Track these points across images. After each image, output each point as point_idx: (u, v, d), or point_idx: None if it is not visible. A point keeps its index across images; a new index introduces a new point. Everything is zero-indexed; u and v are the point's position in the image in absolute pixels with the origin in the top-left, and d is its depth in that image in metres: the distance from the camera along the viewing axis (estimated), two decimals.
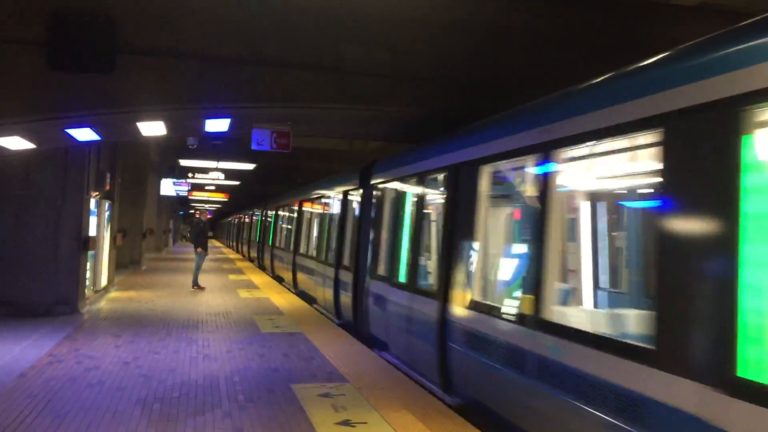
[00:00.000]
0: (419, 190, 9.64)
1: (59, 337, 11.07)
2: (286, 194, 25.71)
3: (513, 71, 9.68)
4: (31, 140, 10.18)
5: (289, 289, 20.02)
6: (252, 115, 10.19)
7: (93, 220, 15.85)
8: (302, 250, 19.58)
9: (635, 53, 6.89)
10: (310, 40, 9.22)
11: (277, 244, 25.55)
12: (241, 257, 40.39)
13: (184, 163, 17.15)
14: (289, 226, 22.32)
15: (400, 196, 10.51)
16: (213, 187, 34.08)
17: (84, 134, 10.24)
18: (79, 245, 14.06)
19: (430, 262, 9.63)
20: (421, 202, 9.59)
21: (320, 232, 17.06)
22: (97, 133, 10.25)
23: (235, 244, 50.95)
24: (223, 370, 8.93)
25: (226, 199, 43.18)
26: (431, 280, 9.19)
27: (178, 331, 11.96)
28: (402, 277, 9.89)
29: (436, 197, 9.51)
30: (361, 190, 13.00)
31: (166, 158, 35.20)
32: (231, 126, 10.76)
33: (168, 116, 9.58)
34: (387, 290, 10.37)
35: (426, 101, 9.64)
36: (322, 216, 17.27)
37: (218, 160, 16.17)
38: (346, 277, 13.43)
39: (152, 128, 10.39)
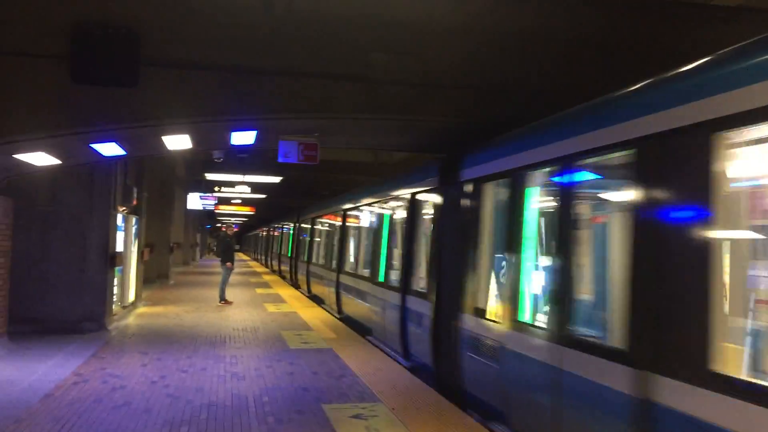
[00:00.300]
0: (566, 184, 6.20)
1: (86, 355, 10.89)
2: (326, 203, 22.93)
3: (547, 78, 9.36)
4: (56, 156, 10.04)
5: (330, 312, 17.78)
6: (278, 127, 9.95)
7: (120, 236, 15.75)
8: (349, 268, 17.06)
9: (675, 57, 6.58)
10: (338, 49, 8.97)
11: (314, 260, 22.95)
12: (268, 271, 40.28)
13: (210, 177, 17.01)
14: (331, 240, 19.76)
15: (520, 196, 7.21)
16: (239, 201, 34.01)
17: (109, 149, 10.08)
18: (105, 261, 13.93)
19: (587, 294, 6.56)
20: (568, 202, 6.17)
21: (376, 247, 13.93)
22: (122, 148, 10.08)
23: (262, 257, 50.89)
24: (252, 390, 8.66)
25: (252, 213, 43.15)
26: (606, 324, 6.05)
27: (206, 348, 11.74)
28: (537, 319, 6.89)
29: (610, 193, 6.67)
30: (441, 191, 10.01)
31: (192, 172, 35.25)
32: (257, 138, 10.54)
33: (193, 129, 9.38)
34: (502, 335, 7.16)
35: (458, 110, 9.34)
36: (377, 227, 14.11)
37: (244, 174, 15.98)
38: (420, 306, 10.30)
39: (178, 142, 10.20)
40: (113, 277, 14.68)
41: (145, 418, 7.31)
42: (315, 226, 23.65)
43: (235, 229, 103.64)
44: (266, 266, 44.28)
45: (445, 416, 7.48)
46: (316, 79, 8.98)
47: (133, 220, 17.55)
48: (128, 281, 17.15)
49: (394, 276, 12.23)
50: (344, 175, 43.38)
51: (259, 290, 24.66)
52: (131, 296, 17.72)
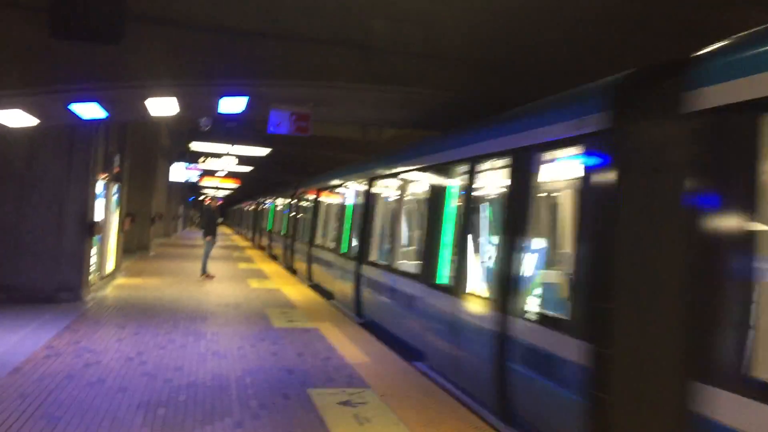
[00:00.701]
0: None
1: (60, 326, 10.39)
2: (346, 169, 16.90)
3: (556, 55, 8.89)
4: (33, 115, 9.47)
5: (347, 314, 13.40)
6: (270, 95, 9.44)
7: (100, 204, 15.20)
8: (375, 257, 12.48)
9: (683, 39, 6.15)
10: (336, 14, 8.45)
11: (319, 242, 18.64)
12: (251, 245, 39.74)
13: (195, 147, 16.43)
14: (353, 221, 14.58)
15: None
16: (224, 174, 33.40)
17: (90, 110, 9.52)
18: (83, 229, 13.39)
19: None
20: None
21: (454, 234, 8.88)
22: (104, 110, 9.53)
23: (249, 233, 50.25)
24: (234, 370, 8.22)
25: (237, 185, 42.47)
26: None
27: (186, 324, 11.27)
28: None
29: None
30: (619, 136, 5.45)
31: (177, 143, 34.57)
32: (247, 106, 10.02)
33: (180, 92, 8.84)
34: None
35: (461, 84, 8.87)
36: (435, 203, 9.32)
37: (232, 143, 15.42)
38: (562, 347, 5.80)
39: (163, 106, 9.66)
40: (91, 247, 14.14)
41: (119, 397, 6.85)
42: (326, 200, 18.95)
43: (219, 203, 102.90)
44: (251, 241, 43.69)
45: (435, 406, 7.08)
46: (312, 45, 8.47)
47: (114, 188, 16.97)
48: (107, 251, 16.60)
49: (496, 287, 7.28)
50: (331, 152, 42.77)
51: (241, 265, 24.17)
52: (110, 267, 17.18)
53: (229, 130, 15.30)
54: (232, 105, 9.95)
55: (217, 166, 25.55)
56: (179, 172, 32.53)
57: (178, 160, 34.30)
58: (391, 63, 8.53)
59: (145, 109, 9.67)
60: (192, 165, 31.37)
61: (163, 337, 9.98)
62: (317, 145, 41.33)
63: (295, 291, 16.72)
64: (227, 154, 20.53)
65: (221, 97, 9.20)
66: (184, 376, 7.85)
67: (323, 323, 11.91)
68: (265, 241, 34.75)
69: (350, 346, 9.92)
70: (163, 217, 39.26)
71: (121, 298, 13.94)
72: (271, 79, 8.40)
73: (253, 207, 46.71)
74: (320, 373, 8.29)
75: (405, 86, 8.75)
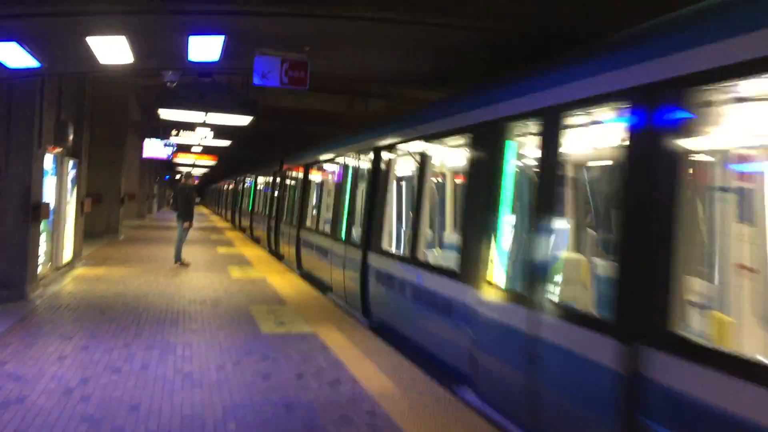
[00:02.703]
0: None
1: None
2: (344, 139, 14.01)
3: None
4: None
5: (351, 313, 11.14)
6: (254, 32, 7.11)
7: (50, 182, 12.80)
8: (390, 245, 10.38)
9: None
10: None
11: (312, 225, 15.93)
12: (230, 226, 37.29)
13: (165, 115, 14.05)
14: (357, 201, 11.99)
15: None
16: (200, 149, 30.86)
17: (13, 55, 7.13)
18: (27, 213, 11.01)
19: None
20: None
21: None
22: (32, 54, 7.14)
23: (227, 213, 47.73)
24: (212, 407, 5.96)
25: (214, 163, 39.92)
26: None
27: (152, 329, 8.97)
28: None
29: None
30: None
31: (149, 117, 31.90)
32: (225, 50, 7.65)
33: (132, 27, 6.48)
34: None
35: (512, 13, 6.53)
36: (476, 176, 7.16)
37: (206, 111, 13.08)
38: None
39: (111, 49, 7.28)
40: (39, 234, 11.75)
41: None
42: (321, 176, 16.62)
43: (196, 182, 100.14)
44: (230, 222, 41.19)
45: None
46: None
47: (70, 163, 14.53)
48: (62, 238, 14.20)
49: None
50: (313, 126, 40.36)
51: (221, 249, 21.81)
52: (67, 255, 14.79)
53: (203, 93, 12.90)
54: (205, 49, 7.58)
55: (192, 140, 22.98)
56: (152, 149, 29.98)
57: (152, 135, 31.73)
58: None
59: (89, 53, 7.28)
60: (165, 140, 28.86)
61: (119, 353, 7.68)
62: (299, 119, 38.80)
63: (284, 282, 14.44)
64: (203, 124, 18.00)
65: (190, 34, 6.84)
66: (141, 420, 5.58)
67: (322, 326, 9.67)
68: (246, 223, 32.56)
69: (363, 363, 7.68)
70: (135, 197, 36.78)
71: (76, 295, 11.58)
72: (254, 5, 6.03)
73: (232, 186, 44.29)
74: (330, 408, 6.05)
75: (432, 15, 6.40)
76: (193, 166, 44.06)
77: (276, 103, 32.65)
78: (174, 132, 21.89)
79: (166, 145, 28.92)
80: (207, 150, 32.47)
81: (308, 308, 11.17)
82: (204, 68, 9.01)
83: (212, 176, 73.41)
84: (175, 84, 10.10)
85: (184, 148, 30.05)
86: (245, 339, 8.69)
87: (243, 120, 14.72)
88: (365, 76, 10.88)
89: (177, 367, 7.21)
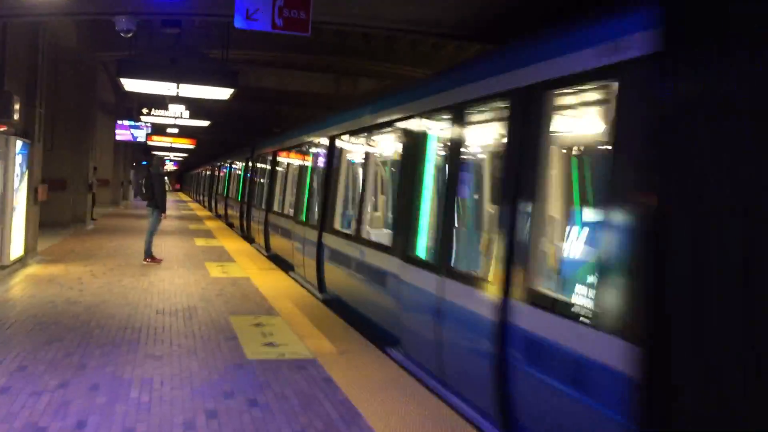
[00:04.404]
0: None
1: None
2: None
3: None
4: None
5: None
6: None
7: None
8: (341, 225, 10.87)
9: None
10: None
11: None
12: (211, 215, 35.05)
13: (130, 86, 11.86)
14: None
15: None
16: (176, 130, 28.53)
17: None
18: None
19: None
20: None
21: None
22: None
23: (204, 198, 45.42)
24: None
25: (193, 147, 37.56)
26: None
27: (102, 357, 6.87)
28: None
29: None
30: None
31: (123, 97, 29.58)
32: None
33: None
34: None
35: None
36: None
37: (179, 81, 10.93)
38: None
39: None
40: None
41: None
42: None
43: (175, 167, 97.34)
44: (211, 211, 38.91)
45: None
46: None
47: (18, 144, 12.29)
48: (8, 231, 12.03)
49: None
50: (299, 109, 38.22)
51: (199, 241, 19.63)
52: (16, 251, 12.61)
53: (175, 59, 10.76)
54: None
55: (166, 119, 20.67)
56: (125, 131, 27.72)
57: (125, 116, 29.44)
58: None
59: None
60: (139, 123, 26.60)
61: (50, 400, 5.57)
62: (284, 101, 36.68)
63: (270, 281, 12.34)
64: (176, 98, 15.77)
65: None
66: None
67: (323, 345, 7.61)
68: (221, 209, 30.90)
69: (386, 408, 5.62)
70: (109, 183, 34.43)
71: (17, 304, 9.44)
72: None
73: (209, 171, 42.11)
74: None
75: None
76: (170, 149, 41.64)
77: (258, 83, 30.44)
78: (145, 110, 19.58)
79: (137, 126, 26.74)
80: (184, 132, 30.19)
81: (303, 318, 9.10)
82: (168, 11, 6.84)
83: (193, 162, 70.90)
84: (131, 34, 7.93)
85: (159, 130, 27.76)
86: (225, 370, 6.61)
87: (222, 93, 12.58)
88: (375, 27, 8.71)
89: (127, 425, 5.11)
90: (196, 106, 18.76)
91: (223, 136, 46.32)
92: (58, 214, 20.93)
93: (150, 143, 30.96)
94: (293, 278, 13.02)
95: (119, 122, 27.56)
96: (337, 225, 10.87)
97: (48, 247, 16.04)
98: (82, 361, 6.70)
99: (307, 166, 13.63)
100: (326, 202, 11.32)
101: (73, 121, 21.59)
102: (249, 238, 20.86)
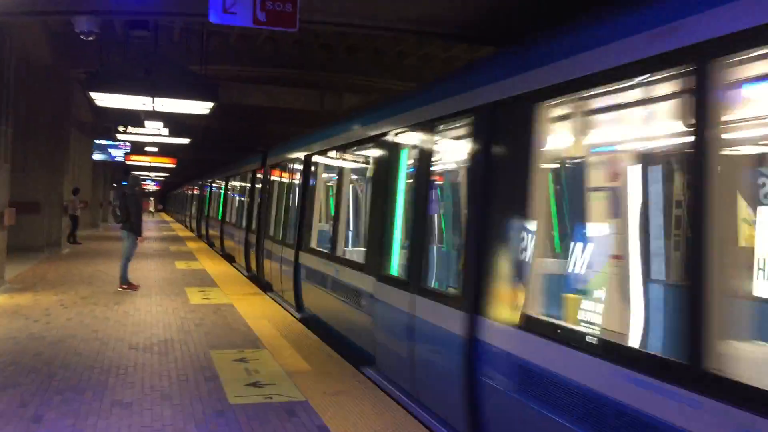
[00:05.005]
0: None
1: None
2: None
3: None
4: None
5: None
6: None
7: None
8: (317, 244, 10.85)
9: None
10: None
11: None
12: (193, 236, 34.07)
13: (101, 100, 11.03)
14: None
15: None
16: (155, 150, 27.60)
17: None
18: None
19: None
20: None
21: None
22: None
23: (185, 218, 44.41)
24: None
25: (173, 166, 36.62)
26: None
27: (62, 407, 5.98)
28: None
29: None
30: None
31: (101, 116, 28.64)
32: None
33: None
34: None
35: None
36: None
37: (153, 94, 10.10)
38: None
39: None
40: None
41: None
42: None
43: (157, 188, 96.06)
44: (191, 230, 37.90)
45: None
46: None
47: None
48: None
49: None
50: (283, 126, 37.40)
51: (180, 264, 18.72)
52: None
53: (149, 71, 9.95)
54: None
55: (144, 137, 19.76)
56: (102, 151, 26.79)
57: (103, 136, 28.50)
58: None
59: None
60: (119, 143, 25.69)
61: None
62: (266, 118, 35.89)
63: (255, 309, 11.48)
64: (152, 114, 14.90)
65: None
66: None
67: (317, 385, 6.76)
68: (203, 229, 30.60)
69: None
70: (87, 206, 33.40)
71: None
72: None
73: (190, 191, 41.34)
74: None
75: None
76: (150, 169, 40.68)
77: (242, 99, 29.60)
78: (121, 128, 18.67)
79: (115, 145, 25.79)
80: (164, 151, 29.26)
81: (292, 352, 8.25)
82: (134, 10, 6.03)
83: (173, 182, 69.90)
84: (92, 38, 7.12)
85: (138, 149, 26.83)
86: (204, 419, 5.74)
87: (201, 107, 11.76)
88: (372, 27, 7.90)
89: None
90: (174, 123, 17.91)
91: (205, 154, 45.41)
92: (32, 238, 19.97)
93: (129, 162, 30.01)
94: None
95: (97, 142, 26.61)
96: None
97: (18, 274, 15.09)
98: (38, 412, 5.81)
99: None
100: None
101: (48, 140, 20.68)
102: (229, 257, 20.43)
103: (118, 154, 25.92)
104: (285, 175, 13.47)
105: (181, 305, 11.65)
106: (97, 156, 25.95)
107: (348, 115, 11.52)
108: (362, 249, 8.78)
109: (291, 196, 12.68)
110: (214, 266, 18.31)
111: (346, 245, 10.07)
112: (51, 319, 10.09)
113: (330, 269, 9.31)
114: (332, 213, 10.55)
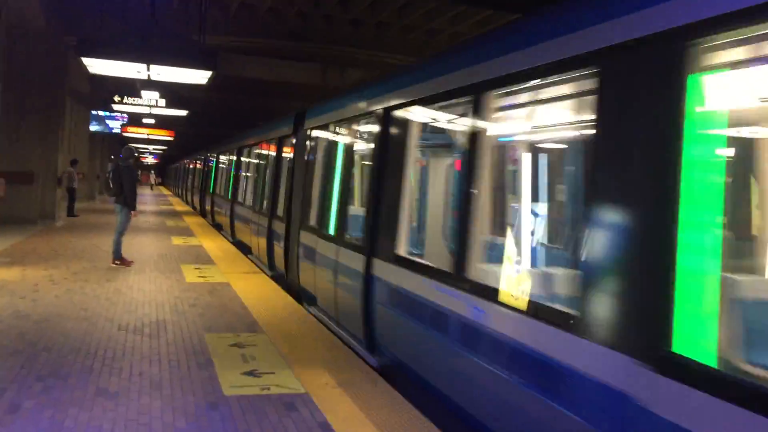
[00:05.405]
0: None
1: None
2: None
3: None
4: None
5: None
6: None
7: None
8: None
9: None
10: None
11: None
12: (190, 210, 33.58)
13: (94, 67, 10.48)
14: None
15: None
16: (153, 121, 27.01)
17: None
18: None
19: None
20: None
21: None
22: None
23: (181, 192, 43.85)
24: None
25: (171, 138, 36.02)
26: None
27: (42, 394, 5.51)
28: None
29: None
30: None
31: (99, 87, 28.02)
32: None
33: None
34: None
35: None
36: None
37: (149, 62, 9.57)
38: None
39: None
40: None
41: None
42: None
43: (156, 161, 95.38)
44: (190, 205, 37.43)
45: None
46: None
47: None
48: None
49: None
50: (285, 101, 36.79)
51: (177, 240, 18.23)
52: None
53: (145, 38, 9.40)
54: None
55: (141, 108, 19.21)
56: (99, 121, 26.20)
57: (100, 107, 27.90)
58: None
59: None
60: (115, 114, 25.08)
61: None
62: (267, 91, 35.28)
63: (253, 288, 11.01)
64: (148, 83, 14.35)
65: None
66: None
67: (316, 375, 6.29)
68: (197, 201, 30.42)
69: None
70: (84, 177, 32.86)
71: None
72: None
73: (187, 165, 40.70)
74: None
75: None
76: (148, 141, 40.07)
77: (242, 72, 28.95)
78: (117, 98, 18.09)
79: (112, 116, 25.20)
80: (161, 123, 28.66)
81: (291, 336, 7.78)
82: None
83: (172, 155, 69.30)
84: None
85: (135, 120, 26.23)
86: (195, 412, 5.28)
87: (199, 76, 11.21)
88: None
89: None
90: (171, 93, 17.35)
91: (204, 128, 44.82)
92: (25, 209, 19.54)
93: (125, 134, 29.42)
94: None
95: (93, 112, 26.02)
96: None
97: (7, 247, 14.62)
98: (15, 400, 5.34)
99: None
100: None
101: (43, 110, 20.13)
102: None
103: (115, 126, 25.32)
104: (340, 140, 9.40)
105: (176, 283, 11.18)
106: (93, 127, 25.39)
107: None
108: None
109: (350, 172, 8.80)
110: (211, 242, 17.83)
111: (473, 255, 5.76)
112: (39, 295, 9.62)
113: (435, 295, 5.84)
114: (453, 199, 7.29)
